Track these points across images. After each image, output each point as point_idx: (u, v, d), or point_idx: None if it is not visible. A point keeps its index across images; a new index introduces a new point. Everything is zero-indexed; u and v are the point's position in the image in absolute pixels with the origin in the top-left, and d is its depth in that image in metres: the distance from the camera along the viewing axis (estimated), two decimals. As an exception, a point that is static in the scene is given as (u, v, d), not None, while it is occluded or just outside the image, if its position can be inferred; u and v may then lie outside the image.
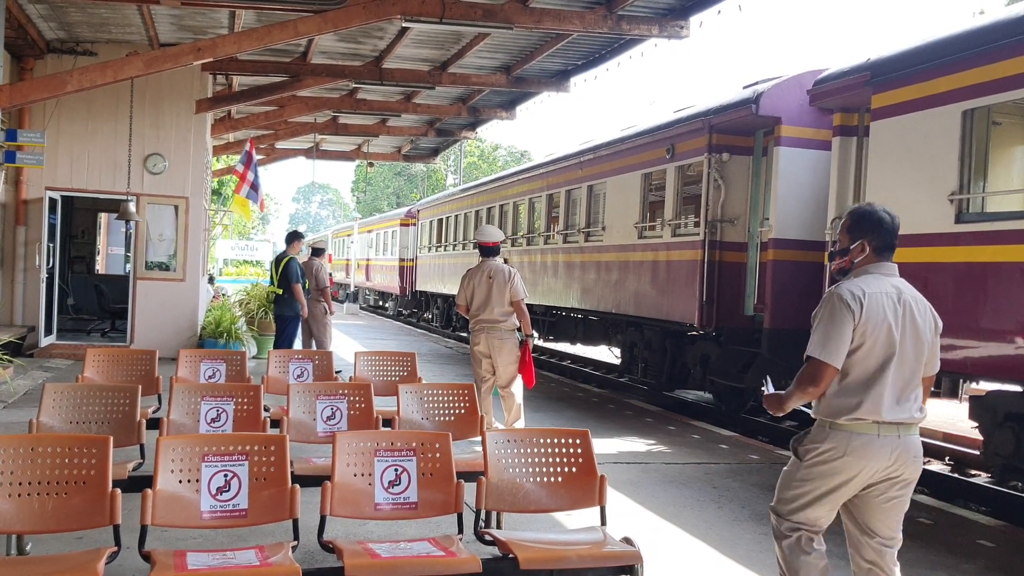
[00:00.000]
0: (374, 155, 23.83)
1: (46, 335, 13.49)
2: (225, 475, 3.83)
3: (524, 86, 14.42)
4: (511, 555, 3.70)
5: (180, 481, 3.78)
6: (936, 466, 9.30)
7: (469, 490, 4.15)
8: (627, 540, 3.94)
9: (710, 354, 10.89)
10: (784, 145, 9.50)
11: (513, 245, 17.22)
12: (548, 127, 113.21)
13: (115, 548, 3.56)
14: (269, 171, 47.84)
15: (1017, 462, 6.90)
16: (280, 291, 11.92)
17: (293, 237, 12.44)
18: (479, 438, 4.86)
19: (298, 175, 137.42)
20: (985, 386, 8.45)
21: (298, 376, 7.27)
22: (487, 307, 7.86)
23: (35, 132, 12.31)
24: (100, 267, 20.63)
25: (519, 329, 7.93)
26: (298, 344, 12.41)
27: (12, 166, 12.27)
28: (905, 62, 7.55)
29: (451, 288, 21.00)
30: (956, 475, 8.78)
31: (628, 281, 12.35)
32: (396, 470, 4.09)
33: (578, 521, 5.26)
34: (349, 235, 40.69)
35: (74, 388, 5.44)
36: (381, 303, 35.73)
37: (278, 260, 12.19)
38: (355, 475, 4.05)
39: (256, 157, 15.69)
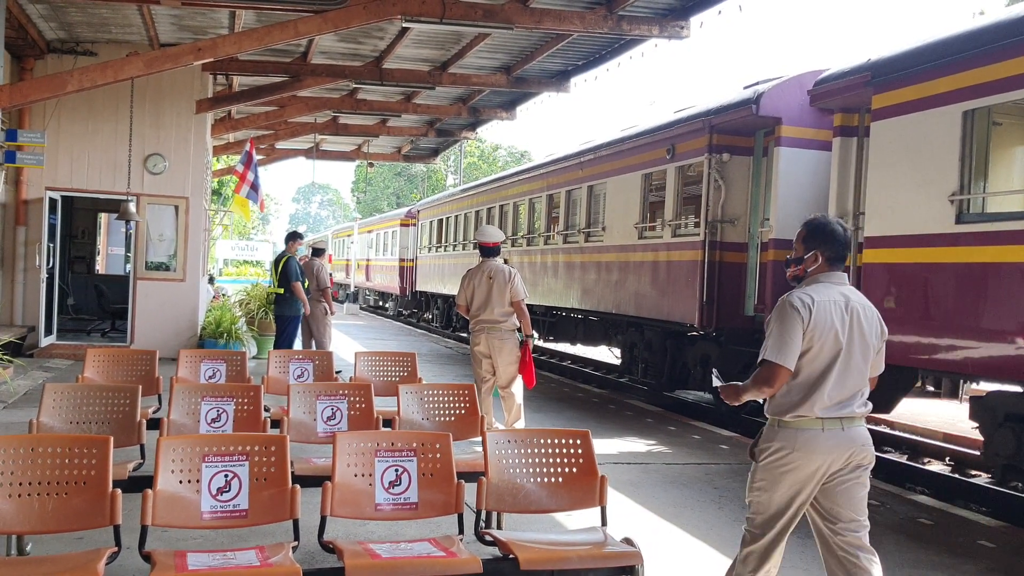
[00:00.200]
0: (374, 155, 23.83)
1: (46, 335, 13.49)
2: (225, 475, 3.83)
3: (524, 86, 14.42)
4: (512, 555, 3.70)
5: (180, 481, 3.78)
6: (937, 466, 9.30)
7: (469, 490, 4.15)
8: (628, 540, 3.94)
9: (710, 354, 10.88)
10: (784, 145, 9.50)
11: (513, 245, 17.21)
12: (548, 127, 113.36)
13: (115, 548, 3.56)
14: (269, 171, 47.86)
15: (1017, 462, 6.90)
16: (281, 291, 11.93)
17: (292, 237, 12.52)
18: (479, 438, 4.86)
19: (298, 175, 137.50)
20: (985, 386, 8.47)
21: (298, 376, 7.27)
22: (487, 307, 7.86)
23: (35, 132, 12.31)
24: (100, 267, 20.64)
25: (519, 329, 7.93)
26: (298, 344, 12.41)
27: (12, 166, 12.26)
28: (906, 62, 7.55)
29: (451, 288, 21.00)
30: (957, 475, 8.77)
31: (628, 281, 12.35)
32: (396, 470, 4.09)
33: (578, 521, 5.26)
34: (349, 235, 40.68)
35: (74, 388, 5.44)
36: (381, 303, 35.73)
37: (277, 260, 12.23)
38: (355, 475, 4.05)
39: (256, 157, 15.69)
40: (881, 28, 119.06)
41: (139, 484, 4.05)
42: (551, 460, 4.35)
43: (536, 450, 4.36)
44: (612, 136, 13.68)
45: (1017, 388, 7.08)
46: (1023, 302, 6.36)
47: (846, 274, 3.83)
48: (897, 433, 10.49)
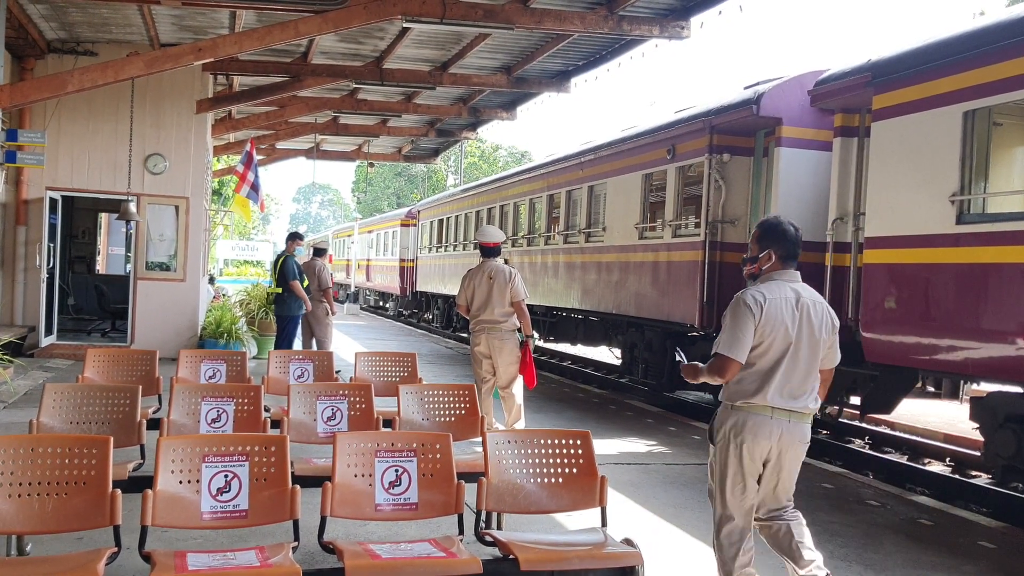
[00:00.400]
0: (374, 155, 23.84)
1: (46, 335, 13.49)
2: (225, 476, 3.83)
3: (525, 86, 14.42)
4: (512, 556, 3.70)
5: (180, 482, 3.78)
6: (937, 467, 9.30)
7: (470, 491, 4.15)
8: (628, 541, 3.94)
9: (711, 355, 10.85)
10: (785, 146, 9.49)
11: (514, 246, 17.21)
12: (549, 127, 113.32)
13: (115, 549, 3.56)
14: (269, 171, 47.89)
15: (1018, 463, 6.89)
16: (279, 290, 11.95)
17: (291, 237, 12.56)
18: (480, 439, 4.85)
19: (299, 175, 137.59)
20: (986, 387, 8.45)
21: (298, 377, 7.27)
22: (487, 307, 7.86)
23: (36, 132, 12.31)
24: (100, 267, 20.64)
25: (519, 330, 7.92)
26: (299, 344, 12.42)
27: (13, 166, 12.26)
28: (906, 63, 7.54)
29: (451, 289, 21.00)
30: (957, 476, 8.77)
31: (629, 282, 12.35)
32: (396, 471, 4.09)
33: (579, 522, 5.26)
34: (349, 235, 40.67)
35: (74, 388, 5.44)
36: (381, 303, 35.73)
37: (277, 260, 12.26)
38: (355, 476, 4.05)
39: (256, 157, 15.70)
40: (881, 28, 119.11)
41: (139, 484, 4.05)
42: (551, 460, 4.35)
43: (536, 450, 4.36)
44: (612, 136, 13.67)
45: (1018, 389, 7.07)
46: (1023, 303, 6.36)
47: (798, 271, 4.09)
48: (897, 434, 10.48)
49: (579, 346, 16.59)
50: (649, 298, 11.78)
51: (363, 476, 4.05)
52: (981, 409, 7.30)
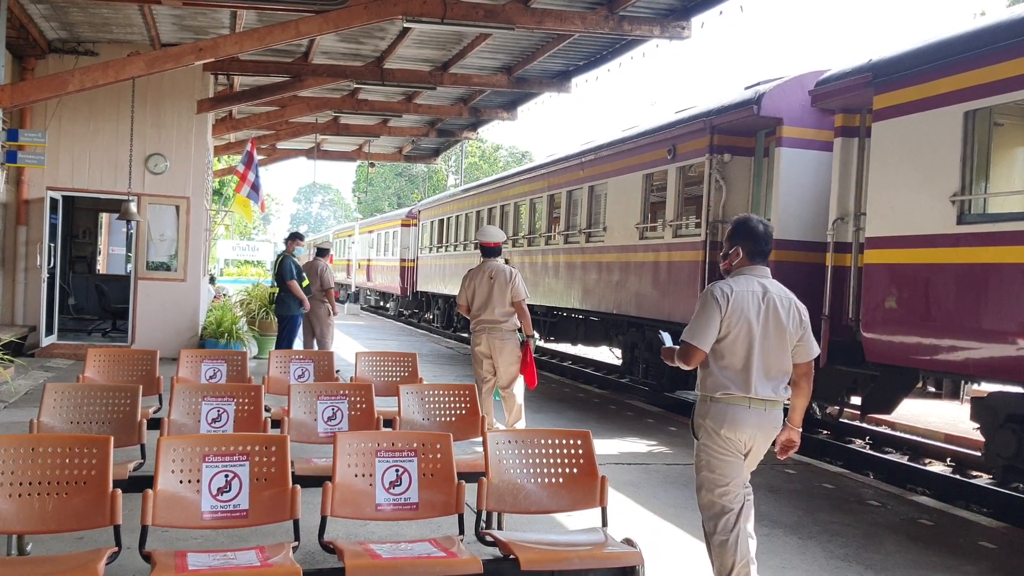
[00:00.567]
0: (375, 155, 23.83)
1: (47, 335, 13.49)
2: (226, 475, 3.83)
3: (525, 87, 14.42)
4: (512, 556, 3.70)
5: (181, 481, 3.78)
6: (938, 467, 9.30)
7: (470, 491, 4.15)
8: (628, 541, 3.94)
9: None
10: (786, 146, 9.48)
11: (514, 246, 17.21)
12: (549, 128, 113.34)
13: (115, 548, 3.56)
14: (270, 171, 47.90)
15: (1018, 463, 6.89)
16: (278, 289, 11.97)
17: (291, 238, 12.56)
18: (480, 439, 4.85)
19: (299, 175, 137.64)
20: (987, 387, 8.45)
21: (299, 376, 7.27)
22: (488, 307, 7.85)
23: (36, 132, 12.32)
24: (101, 267, 20.63)
25: (520, 330, 7.92)
26: (300, 344, 12.42)
27: (13, 166, 12.28)
28: (907, 63, 7.54)
29: (452, 289, 21.01)
30: (958, 476, 8.77)
31: (629, 282, 12.34)
32: (397, 471, 4.09)
33: (579, 522, 5.26)
34: (350, 235, 40.67)
35: (75, 388, 5.44)
36: (382, 303, 35.73)
37: (276, 260, 12.28)
38: (356, 476, 4.05)
39: (257, 157, 15.71)
40: (882, 28, 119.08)
41: (139, 484, 4.05)
42: (552, 460, 4.35)
43: (537, 450, 4.36)
44: (613, 136, 13.67)
45: (1018, 389, 7.07)
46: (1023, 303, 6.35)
47: (768, 267, 4.26)
48: (898, 434, 10.48)
49: (580, 346, 16.59)
50: (650, 298, 11.77)
51: (363, 476, 4.05)
52: (982, 409, 7.29)
